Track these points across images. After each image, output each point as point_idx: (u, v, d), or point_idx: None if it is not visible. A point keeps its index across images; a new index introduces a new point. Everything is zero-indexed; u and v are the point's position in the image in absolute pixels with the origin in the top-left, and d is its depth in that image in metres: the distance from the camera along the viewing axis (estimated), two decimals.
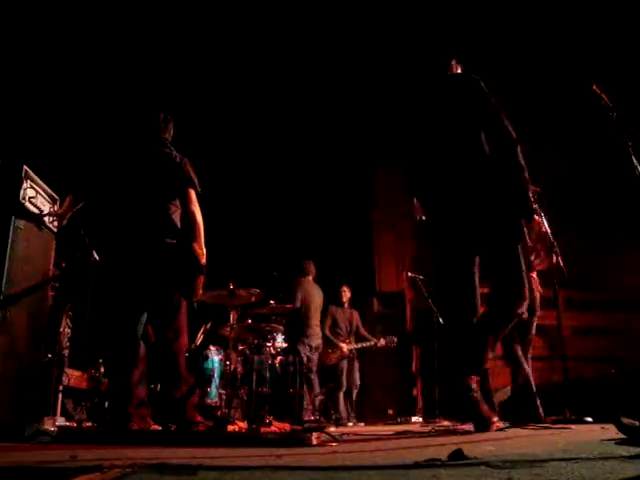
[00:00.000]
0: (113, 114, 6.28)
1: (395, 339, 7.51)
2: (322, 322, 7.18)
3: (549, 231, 4.78)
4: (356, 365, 7.54)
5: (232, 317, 4.89)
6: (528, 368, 4.58)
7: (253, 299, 5.01)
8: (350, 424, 6.84)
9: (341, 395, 7.26)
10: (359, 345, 7.39)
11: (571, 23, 7.19)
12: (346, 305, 7.60)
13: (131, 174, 3.70)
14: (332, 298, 7.53)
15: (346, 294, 7.63)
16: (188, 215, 3.60)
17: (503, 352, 4.68)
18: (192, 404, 3.53)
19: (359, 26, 7.63)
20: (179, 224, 3.64)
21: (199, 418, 3.52)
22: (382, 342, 7.44)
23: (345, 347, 7.23)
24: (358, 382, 7.52)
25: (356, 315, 7.67)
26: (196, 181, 3.69)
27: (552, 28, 7.33)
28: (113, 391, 3.81)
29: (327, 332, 7.24)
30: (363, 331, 7.62)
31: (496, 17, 7.27)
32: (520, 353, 4.61)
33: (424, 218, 3.58)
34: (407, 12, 7.39)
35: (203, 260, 3.52)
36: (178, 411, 3.44)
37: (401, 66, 8.15)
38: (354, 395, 7.49)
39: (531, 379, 4.55)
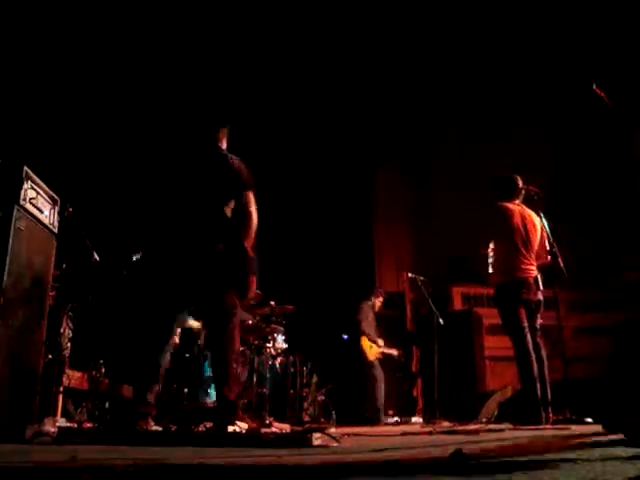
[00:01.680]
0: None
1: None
2: (358, 322, 7.17)
3: (548, 231, 4.78)
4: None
5: None
6: (536, 369, 4.56)
7: (252, 301, 5.01)
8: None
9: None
10: (390, 350, 7.38)
11: (571, 23, 7.19)
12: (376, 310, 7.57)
13: (187, 177, 3.70)
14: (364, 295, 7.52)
15: (378, 304, 7.60)
16: (245, 216, 3.61)
17: (515, 352, 4.68)
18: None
19: (357, 30, 7.63)
20: (232, 226, 3.64)
21: (248, 421, 3.52)
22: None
23: (370, 352, 7.20)
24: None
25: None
26: (251, 182, 3.69)
27: (552, 28, 7.33)
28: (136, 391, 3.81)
29: (364, 330, 7.19)
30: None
31: (496, 17, 7.27)
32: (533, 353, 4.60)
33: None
34: (407, 14, 7.39)
35: (252, 261, 3.54)
36: (230, 411, 3.44)
37: (400, 67, 8.17)
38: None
39: (537, 380, 4.52)
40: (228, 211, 3.64)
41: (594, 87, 3.73)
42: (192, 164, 3.72)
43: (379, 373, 7.12)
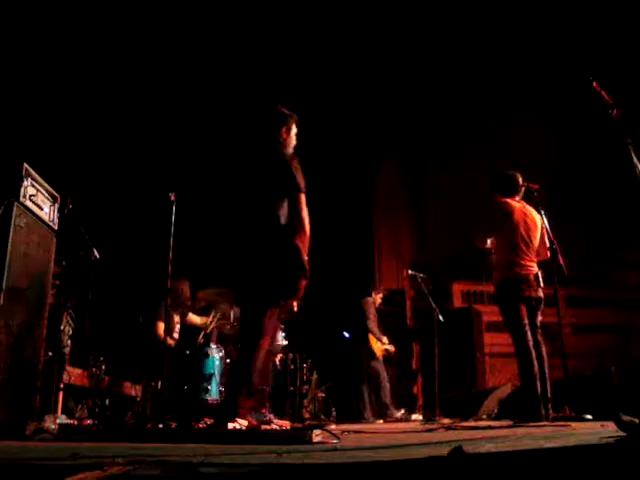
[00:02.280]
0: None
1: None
2: (365, 318, 7.16)
3: (548, 228, 4.78)
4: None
5: (232, 315, 4.90)
6: (536, 366, 4.57)
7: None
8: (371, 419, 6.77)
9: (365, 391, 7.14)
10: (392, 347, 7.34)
11: (572, 22, 7.18)
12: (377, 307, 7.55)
13: (243, 172, 3.75)
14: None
15: (379, 300, 7.57)
16: (297, 219, 3.56)
17: (515, 349, 4.68)
18: (249, 406, 3.52)
19: (359, 29, 7.62)
20: (282, 228, 3.63)
21: (250, 420, 3.51)
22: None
23: (377, 348, 7.19)
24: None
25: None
26: (303, 184, 3.62)
27: (553, 27, 7.32)
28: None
29: (372, 328, 7.19)
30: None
31: (497, 16, 7.26)
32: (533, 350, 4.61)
33: None
34: (408, 13, 7.38)
35: (306, 264, 3.53)
36: (231, 413, 3.42)
37: (401, 63, 8.16)
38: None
39: (537, 377, 4.53)
40: (281, 211, 3.63)
41: (593, 84, 3.74)
42: (249, 162, 3.76)
43: (383, 369, 7.13)
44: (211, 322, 5.59)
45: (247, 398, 3.50)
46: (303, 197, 3.59)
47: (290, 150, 3.77)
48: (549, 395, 4.51)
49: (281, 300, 3.59)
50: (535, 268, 4.80)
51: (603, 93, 3.53)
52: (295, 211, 3.56)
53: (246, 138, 3.91)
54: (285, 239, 3.52)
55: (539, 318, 4.80)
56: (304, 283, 3.51)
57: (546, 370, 4.62)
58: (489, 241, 4.96)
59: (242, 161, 3.77)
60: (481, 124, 8.61)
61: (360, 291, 7.80)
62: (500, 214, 4.87)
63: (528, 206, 4.97)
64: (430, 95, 8.39)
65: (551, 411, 4.43)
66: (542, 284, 4.78)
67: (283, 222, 3.59)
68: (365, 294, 7.46)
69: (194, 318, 5.81)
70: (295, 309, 5.19)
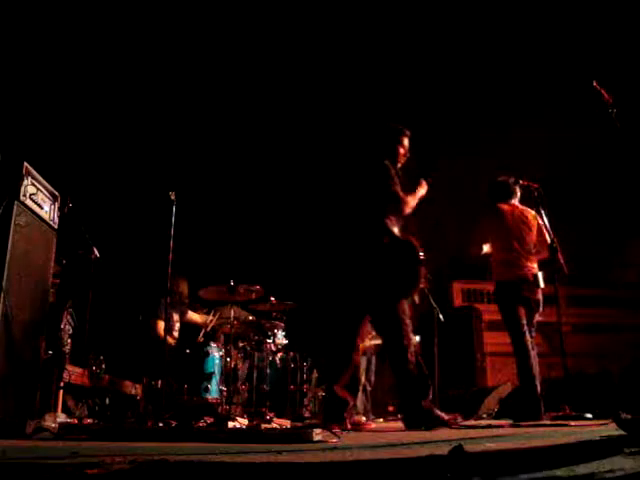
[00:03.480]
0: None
1: None
2: None
3: (549, 227, 4.78)
4: (373, 361, 7.38)
5: (232, 314, 4.90)
6: (536, 366, 4.60)
7: (254, 295, 5.02)
8: (363, 419, 6.71)
9: (359, 391, 7.08)
10: (379, 341, 7.20)
11: (572, 21, 7.17)
12: None
13: (351, 181, 4.11)
14: None
15: None
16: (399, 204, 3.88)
17: (514, 350, 4.70)
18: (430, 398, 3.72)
19: (359, 30, 7.62)
20: (394, 227, 3.87)
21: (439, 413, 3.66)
22: None
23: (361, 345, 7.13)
24: (373, 378, 7.34)
25: None
26: (399, 194, 3.88)
27: (554, 26, 7.31)
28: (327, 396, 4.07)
29: None
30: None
31: (499, 15, 7.26)
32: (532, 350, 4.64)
33: None
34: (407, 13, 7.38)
35: (421, 253, 3.74)
36: (427, 419, 3.56)
37: (401, 65, 8.15)
38: (367, 392, 7.30)
39: (536, 376, 4.56)
40: (391, 214, 3.89)
41: (594, 83, 3.79)
42: (357, 169, 4.15)
43: (363, 363, 7.08)
44: (211, 321, 5.59)
45: (425, 393, 3.64)
46: (406, 203, 3.90)
47: (398, 163, 4.09)
48: (541, 393, 4.57)
49: (405, 293, 3.77)
50: (534, 268, 4.81)
51: (603, 92, 3.55)
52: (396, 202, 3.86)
53: (352, 151, 4.21)
54: (396, 240, 3.79)
55: (537, 318, 4.82)
56: (423, 272, 3.72)
57: (537, 369, 4.68)
58: (486, 247, 5.04)
59: (347, 172, 4.26)
60: (481, 125, 8.61)
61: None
62: (492, 219, 5.01)
63: (521, 206, 5.01)
64: (432, 98, 8.38)
65: (543, 408, 4.48)
66: (542, 284, 4.78)
67: (390, 225, 3.84)
68: None
69: (194, 316, 5.81)
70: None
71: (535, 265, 4.83)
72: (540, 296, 4.80)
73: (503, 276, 4.86)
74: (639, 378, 4.90)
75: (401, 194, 3.88)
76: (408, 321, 3.75)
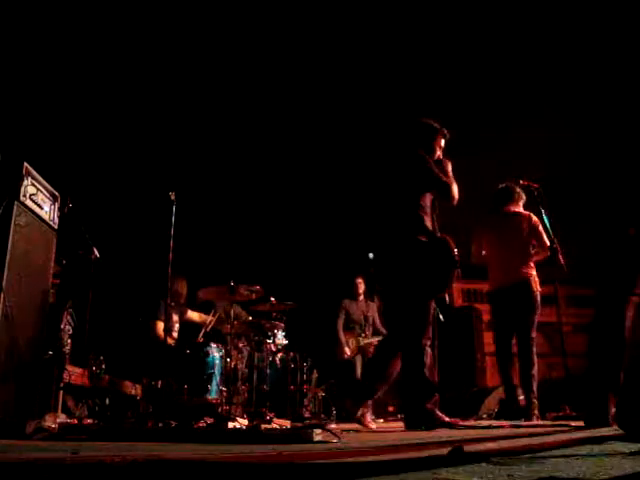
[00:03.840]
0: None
1: None
2: (336, 317, 7.11)
3: (549, 226, 4.79)
4: None
5: (232, 314, 4.90)
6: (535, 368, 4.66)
7: (254, 296, 5.02)
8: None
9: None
10: (375, 339, 7.15)
11: (573, 20, 7.17)
12: (361, 297, 7.41)
13: (386, 175, 4.04)
14: (347, 291, 7.39)
15: (361, 286, 7.42)
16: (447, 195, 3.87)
17: (518, 351, 4.75)
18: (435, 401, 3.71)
19: (359, 28, 7.62)
20: (428, 222, 3.84)
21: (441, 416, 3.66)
22: None
23: (348, 348, 7.07)
24: None
25: (373, 307, 7.42)
26: (443, 179, 3.86)
27: (554, 25, 7.31)
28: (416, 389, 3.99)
29: (338, 328, 7.12)
30: (379, 324, 7.38)
31: (500, 15, 7.26)
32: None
33: None
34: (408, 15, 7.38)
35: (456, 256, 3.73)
36: (428, 420, 3.57)
37: (401, 63, 8.15)
38: None
39: (534, 379, 4.62)
40: (424, 209, 3.85)
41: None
42: (392, 162, 4.06)
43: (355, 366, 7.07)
44: (211, 321, 5.59)
45: (431, 395, 3.62)
46: (451, 186, 3.86)
47: (433, 156, 4.05)
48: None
49: (436, 293, 3.77)
50: (524, 272, 4.82)
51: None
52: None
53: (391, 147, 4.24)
54: (432, 235, 3.78)
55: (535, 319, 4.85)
56: (455, 274, 3.71)
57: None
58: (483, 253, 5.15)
59: (386, 167, 4.07)
60: (481, 125, 8.60)
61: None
62: (476, 235, 5.20)
63: (520, 209, 5.04)
64: (432, 96, 8.38)
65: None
66: (537, 288, 4.79)
67: (425, 221, 3.82)
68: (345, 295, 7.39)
69: (193, 315, 5.81)
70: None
71: (527, 268, 4.86)
72: (532, 301, 4.81)
73: (490, 287, 5.10)
74: (639, 378, 4.89)
75: (444, 178, 3.86)
76: (430, 322, 3.77)
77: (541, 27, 7.37)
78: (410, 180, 3.85)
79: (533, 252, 4.91)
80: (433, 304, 3.84)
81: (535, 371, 4.66)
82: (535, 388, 4.59)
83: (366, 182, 4.19)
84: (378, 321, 7.33)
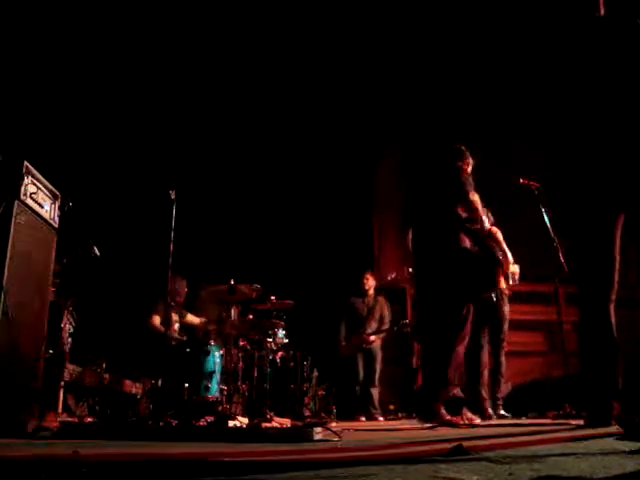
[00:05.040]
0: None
1: (407, 321, 7.30)
2: (341, 315, 7.08)
3: (550, 226, 4.78)
4: (378, 356, 6.99)
5: (233, 313, 4.90)
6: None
7: (254, 295, 5.02)
8: (362, 418, 6.61)
9: (357, 389, 6.91)
10: (370, 332, 7.03)
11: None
12: (370, 292, 7.35)
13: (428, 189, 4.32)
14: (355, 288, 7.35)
15: (369, 282, 7.35)
16: (469, 207, 4.04)
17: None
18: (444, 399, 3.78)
19: (356, 25, 7.62)
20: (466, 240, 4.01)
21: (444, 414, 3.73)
22: (394, 328, 7.14)
23: (344, 344, 7.02)
24: (377, 376, 6.94)
25: (382, 302, 7.31)
26: (468, 188, 4.09)
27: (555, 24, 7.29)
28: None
29: (340, 326, 7.06)
30: (387, 321, 7.27)
31: (502, 14, 7.25)
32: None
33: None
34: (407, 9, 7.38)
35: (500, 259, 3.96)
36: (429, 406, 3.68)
37: (401, 61, 8.15)
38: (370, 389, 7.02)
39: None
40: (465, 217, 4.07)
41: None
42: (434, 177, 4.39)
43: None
44: (209, 324, 5.60)
45: (443, 391, 3.65)
46: (472, 198, 4.04)
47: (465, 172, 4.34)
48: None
49: (480, 294, 3.85)
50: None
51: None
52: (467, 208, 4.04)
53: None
54: (479, 239, 3.97)
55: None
56: (500, 275, 3.81)
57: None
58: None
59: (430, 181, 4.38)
60: (480, 122, 8.59)
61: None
62: None
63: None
64: (430, 93, 8.38)
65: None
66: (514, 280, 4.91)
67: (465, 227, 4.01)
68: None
69: (193, 319, 5.81)
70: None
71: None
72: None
73: None
74: (639, 378, 4.89)
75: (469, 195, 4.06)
76: (469, 326, 3.80)
77: (541, 27, 7.36)
78: (452, 191, 4.14)
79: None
80: (472, 307, 3.88)
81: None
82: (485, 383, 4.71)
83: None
84: (387, 319, 7.23)
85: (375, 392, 6.82)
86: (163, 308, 4.84)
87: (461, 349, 3.81)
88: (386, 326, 7.11)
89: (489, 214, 5.23)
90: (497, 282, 4.02)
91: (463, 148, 4.49)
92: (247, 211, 8.27)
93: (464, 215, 4.02)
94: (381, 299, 7.32)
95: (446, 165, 4.31)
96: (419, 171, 4.81)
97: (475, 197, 4.05)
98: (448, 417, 3.66)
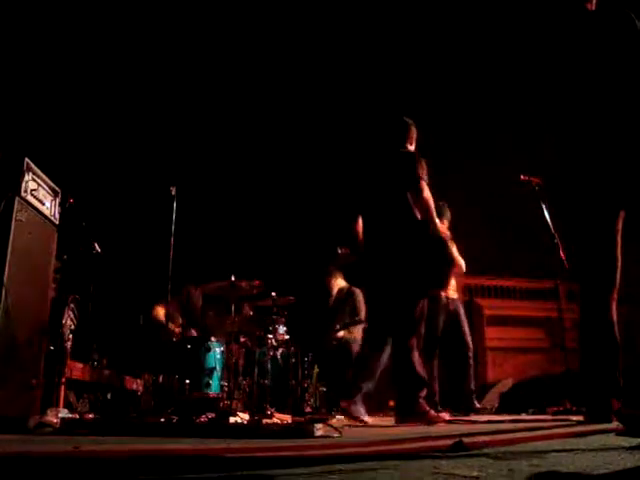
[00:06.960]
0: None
1: None
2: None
3: (550, 222, 4.78)
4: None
5: (233, 309, 4.91)
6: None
7: (254, 291, 5.03)
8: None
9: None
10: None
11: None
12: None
13: (374, 171, 4.16)
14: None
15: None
16: (422, 205, 3.84)
17: None
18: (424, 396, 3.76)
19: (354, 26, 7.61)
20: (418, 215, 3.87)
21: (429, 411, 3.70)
22: None
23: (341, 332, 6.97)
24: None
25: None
26: (425, 175, 3.91)
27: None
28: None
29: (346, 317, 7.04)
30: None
31: (503, 14, 7.23)
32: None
33: None
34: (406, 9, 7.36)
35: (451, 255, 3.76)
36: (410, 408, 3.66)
37: (402, 62, 8.13)
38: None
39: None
40: (414, 202, 3.89)
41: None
42: (379, 159, 4.20)
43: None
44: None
45: (420, 389, 3.64)
46: (424, 184, 3.87)
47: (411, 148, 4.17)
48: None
49: (429, 290, 3.79)
50: None
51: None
52: (419, 198, 3.85)
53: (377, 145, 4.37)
54: (428, 233, 3.76)
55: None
56: (450, 272, 3.74)
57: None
58: None
59: (373, 164, 4.22)
60: (481, 124, 8.58)
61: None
62: None
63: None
64: (433, 97, 8.36)
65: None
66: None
67: (415, 214, 3.83)
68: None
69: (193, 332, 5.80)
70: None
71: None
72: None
73: None
74: (638, 373, 4.90)
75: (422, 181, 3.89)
76: (420, 320, 3.76)
77: (535, 23, 7.34)
78: (402, 176, 3.95)
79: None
80: (424, 303, 3.81)
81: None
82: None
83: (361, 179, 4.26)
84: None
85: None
86: (167, 304, 4.84)
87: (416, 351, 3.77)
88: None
89: (447, 212, 5.21)
90: (447, 281, 3.94)
91: (410, 122, 4.29)
92: (248, 207, 8.26)
93: (418, 216, 3.88)
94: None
95: (396, 149, 4.12)
96: (367, 153, 4.62)
97: (427, 192, 3.88)
98: (433, 413, 3.66)
